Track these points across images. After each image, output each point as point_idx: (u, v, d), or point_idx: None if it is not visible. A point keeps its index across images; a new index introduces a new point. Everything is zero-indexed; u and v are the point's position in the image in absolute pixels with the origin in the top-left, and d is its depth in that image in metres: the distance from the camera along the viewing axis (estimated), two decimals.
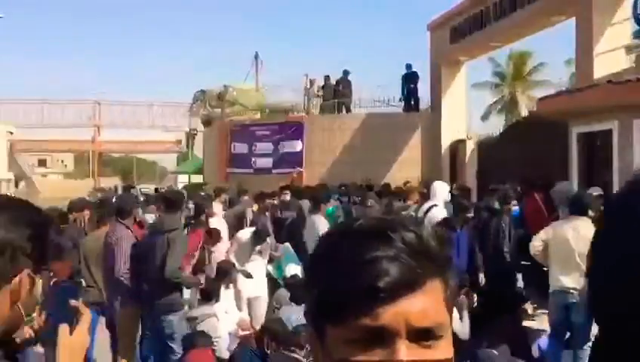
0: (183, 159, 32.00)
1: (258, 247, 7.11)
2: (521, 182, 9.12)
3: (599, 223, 1.66)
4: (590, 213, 5.35)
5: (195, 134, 27.91)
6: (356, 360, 0.76)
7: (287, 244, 7.92)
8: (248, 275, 6.76)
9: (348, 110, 18.07)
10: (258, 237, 7.14)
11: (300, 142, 17.00)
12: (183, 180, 27.58)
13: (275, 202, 10.11)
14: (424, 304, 0.76)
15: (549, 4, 11.67)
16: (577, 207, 5.41)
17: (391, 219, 0.83)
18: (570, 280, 5.19)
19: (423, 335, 0.76)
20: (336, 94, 17.83)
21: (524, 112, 30.26)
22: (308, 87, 18.55)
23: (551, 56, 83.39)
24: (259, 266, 7.14)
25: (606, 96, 8.69)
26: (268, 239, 7.32)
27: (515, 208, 7.76)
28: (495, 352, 4.87)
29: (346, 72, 18.15)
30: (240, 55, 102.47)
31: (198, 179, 24.29)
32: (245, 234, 7.54)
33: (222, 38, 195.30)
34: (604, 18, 10.38)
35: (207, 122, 21.85)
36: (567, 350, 5.42)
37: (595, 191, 6.96)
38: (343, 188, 12.23)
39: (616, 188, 8.70)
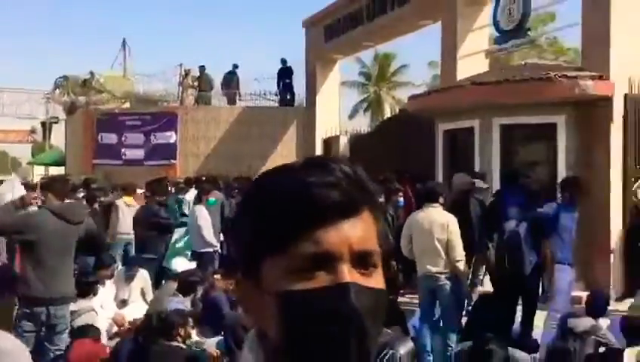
0: (39, 149, 29.65)
1: None
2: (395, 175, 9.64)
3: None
4: (440, 200, 5.79)
5: (55, 122, 26.00)
6: (298, 289, 0.74)
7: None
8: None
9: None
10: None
11: (173, 133, 16.53)
12: (39, 172, 25.58)
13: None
14: (363, 229, 0.77)
15: (418, 8, 12.41)
16: (431, 196, 5.81)
17: (329, 156, 0.87)
18: (434, 264, 5.50)
19: (362, 262, 0.76)
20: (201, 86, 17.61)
21: (388, 111, 31.84)
22: (182, 77, 18.07)
23: (413, 58, 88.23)
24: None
25: (469, 96, 9.44)
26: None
27: (400, 199, 8.23)
28: (389, 331, 5.13)
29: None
30: (108, 43, 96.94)
31: (58, 170, 22.65)
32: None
33: (88, 26, 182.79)
34: (466, 24, 11.28)
35: (70, 110, 20.45)
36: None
37: (463, 178, 7.48)
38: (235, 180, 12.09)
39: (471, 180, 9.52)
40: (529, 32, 10.08)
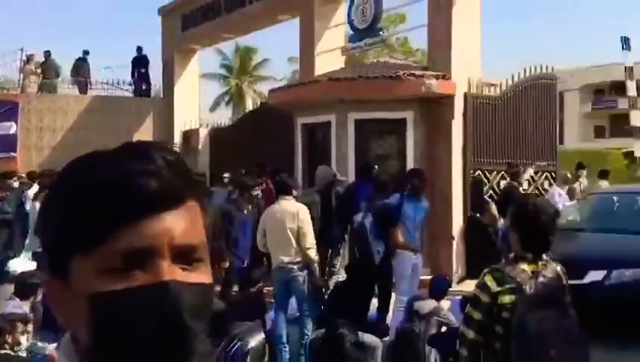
0: None
1: None
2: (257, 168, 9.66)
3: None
4: (294, 192, 5.92)
5: None
6: (111, 290, 0.67)
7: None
8: None
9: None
10: None
11: (13, 124, 15.11)
12: None
13: None
14: (186, 221, 0.71)
15: (277, 2, 12.50)
16: (283, 189, 5.92)
17: (150, 141, 0.78)
18: (287, 255, 5.56)
19: (184, 257, 0.70)
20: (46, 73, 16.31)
21: (250, 105, 31.78)
22: (23, 62, 16.56)
23: (274, 53, 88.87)
24: None
25: (326, 92, 9.71)
26: None
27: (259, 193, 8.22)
28: (250, 323, 5.12)
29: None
30: None
31: None
32: None
33: None
34: (323, 21, 11.57)
35: None
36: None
37: (327, 171, 7.66)
38: None
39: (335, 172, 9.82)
40: (381, 32, 10.56)
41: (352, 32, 10.83)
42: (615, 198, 8.54)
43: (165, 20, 16.51)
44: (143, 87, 17.02)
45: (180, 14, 15.63)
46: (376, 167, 8.10)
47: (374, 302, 6.35)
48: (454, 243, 9.28)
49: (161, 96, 16.76)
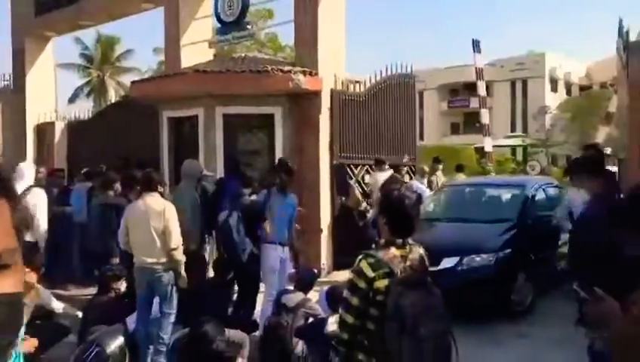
0: None
1: None
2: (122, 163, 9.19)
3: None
4: (160, 188, 5.63)
5: None
6: None
7: None
8: None
9: None
10: None
11: None
12: None
13: None
14: None
15: None
16: (148, 185, 5.56)
17: None
18: (150, 255, 5.28)
19: None
20: None
21: (113, 97, 30.21)
22: None
23: (138, 44, 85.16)
24: None
25: (193, 85, 9.46)
26: None
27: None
28: (108, 327, 4.85)
29: None
30: None
31: None
32: None
33: None
34: (189, 12, 11.25)
35: None
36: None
37: (194, 165, 7.43)
38: None
39: (202, 166, 9.62)
40: (249, 26, 10.49)
41: (219, 25, 10.64)
42: (467, 190, 9.23)
43: (15, 3, 15.15)
44: None
45: None
46: (244, 162, 8.05)
47: (260, 298, 6.31)
48: (322, 235, 9.50)
49: (11, 86, 15.37)
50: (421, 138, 46.46)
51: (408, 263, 2.67)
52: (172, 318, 5.28)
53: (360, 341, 2.68)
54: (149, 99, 10.49)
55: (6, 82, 15.72)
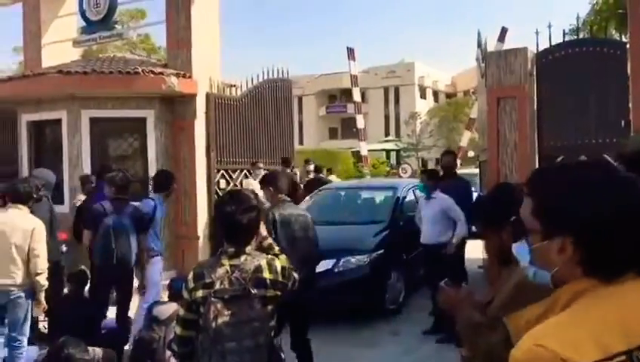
0: None
1: None
2: None
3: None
4: (30, 203, 5.05)
5: None
6: None
7: None
8: None
9: None
10: None
11: None
12: None
13: None
14: None
15: None
16: (16, 196, 4.98)
17: None
18: (7, 276, 4.74)
19: None
20: None
21: None
22: None
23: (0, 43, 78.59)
24: None
25: (55, 86, 8.83)
26: None
27: None
28: None
29: None
30: None
31: None
32: None
33: None
34: (51, 9, 10.52)
35: None
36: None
37: (47, 173, 6.91)
38: None
39: (66, 172, 9.00)
40: (117, 25, 10.00)
41: (84, 24, 10.04)
42: (342, 193, 9.43)
43: None
44: None
45: None
46: (113, 168, 7.61)
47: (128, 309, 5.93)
48: (199, 242, 9.26)
49: None
50: (300, 142, 47.14)
51: (235, 274, 2.59)
52: (24, 345, 4.82)
53: (191, 352, 2.64)
54: (5, 101, 9.64)
55: None
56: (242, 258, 2.66)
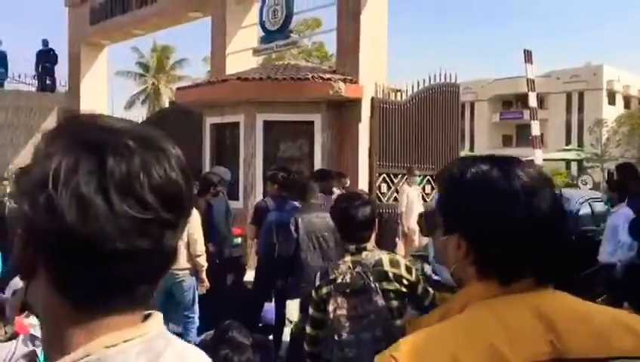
0: None
1: None
2: None
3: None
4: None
5: None
6: None
7: None
8: None
9: None
10: None
11: None
12: None
13: None
14: None
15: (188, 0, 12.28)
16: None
17: None
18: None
19: None
20: None
21: (166, 104, 31.04)
22: None
23: (192, 53, 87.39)
24: None
25: (235, 92, 9.60)
26: None
27: None
28: None
29: None
30: None
31: None
32: None
33: None
34: (236, 21, 11.46)
35: None
36: None
37: (224, 171, 7.48)
38: None
39: (242, 171, 9.72)
40: (292, 34, 10.58)
41: (263, 33, 10.78)
42: None
43: (72, 12, 15.79)
44: (47, 82, 16.20)
45: (88, 7, 15.01)
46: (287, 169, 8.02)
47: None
48: None
49: (67, 91, 16.01)
50: (471, 149, 45.70)
51: (357, 269, 2.62)
52: (196, 321, 5.33)
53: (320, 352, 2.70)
54: (193, 105, 10.71)
55: (62, 87, 16.38)
56: (363, 254, 2.70)
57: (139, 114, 28.89)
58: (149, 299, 0.76)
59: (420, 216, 6.74)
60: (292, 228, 4.94)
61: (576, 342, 0.92)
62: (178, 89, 11.60)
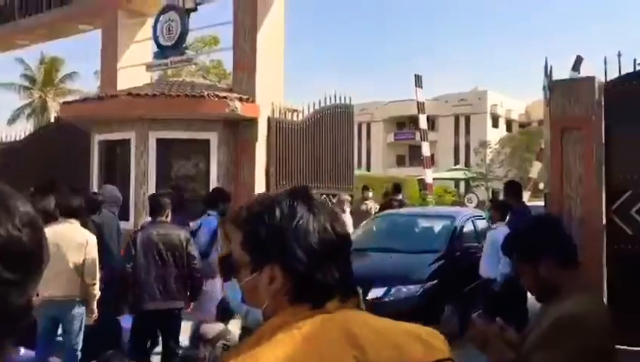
0: None
1: None
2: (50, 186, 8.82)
3: None
4: (82, 217, 5.16)
5: None
6: None
7: None
8: None
9: None
10: None
11: None
12: None
13: None
14: None
15: (76, 11, 11.73)
16: (68, 210, 5.02)
17: None
18: (62, 288, 4.79)
19: None
20: None
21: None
22: None
23: (84, 66, 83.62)
24: None
25: (125, 108, 9.27)
26: None
27: None
28: None
29: None
30: None
31: None
32: None
33: None
34: (128, 35, 11.10)
35: None
36: None
37: (113, 190, 7.20)
38: None
39: (132, 190, 9.36)
40: (187, 51, 10.42)
41: (157, 49, 10.52)
42: (399, 220, 9.28)
43: None
44: None
45: None
46: (175, 187, 7.86)
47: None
48: None
49: None
50: (368, 168, 47.02)
51: None
52: (78, 353, 5.00)
53: None
54: (80, 121, 10.20)
55: None
56: None
57: (23, 129, 27.04)
58: (3, 352, 0.75)
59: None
60: (130, 243, 4.93)
61: (376, 355, 1.00)
62: (64, 103, 11.02)
